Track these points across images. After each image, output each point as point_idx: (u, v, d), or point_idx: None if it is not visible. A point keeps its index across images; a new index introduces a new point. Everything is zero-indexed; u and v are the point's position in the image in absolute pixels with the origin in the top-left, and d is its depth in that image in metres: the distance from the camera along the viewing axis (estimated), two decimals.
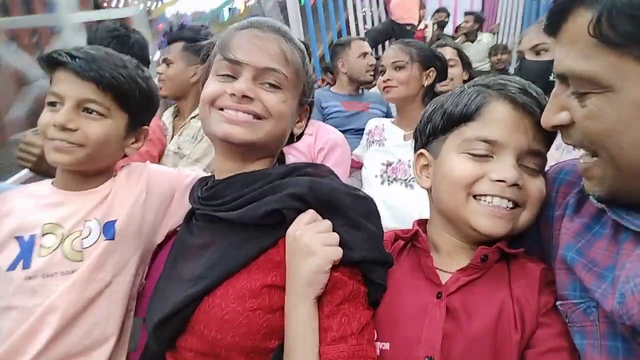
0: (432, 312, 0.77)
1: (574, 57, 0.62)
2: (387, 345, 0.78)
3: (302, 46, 0.92)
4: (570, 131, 0.67)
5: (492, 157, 0.79)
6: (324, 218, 0.79)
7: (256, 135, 0.84)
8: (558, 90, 0.67)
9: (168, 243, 1.07)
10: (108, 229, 0.98)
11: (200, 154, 1.85)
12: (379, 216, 0.85)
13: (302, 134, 1.00)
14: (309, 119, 0.98)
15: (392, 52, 1.99)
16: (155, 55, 3.27)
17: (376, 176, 1.90)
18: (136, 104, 1.03)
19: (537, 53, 1.66)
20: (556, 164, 0.90)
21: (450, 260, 0.83)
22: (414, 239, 0.88)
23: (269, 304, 0.76)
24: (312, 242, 0.74)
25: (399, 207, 1.76)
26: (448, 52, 2.55)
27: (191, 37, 1.97)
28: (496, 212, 0.78)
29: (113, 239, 0.98)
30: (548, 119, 0.69)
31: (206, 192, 0.91)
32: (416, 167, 0.91)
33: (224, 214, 0.84)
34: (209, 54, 0.92)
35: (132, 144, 1.07)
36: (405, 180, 1.84)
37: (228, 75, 0.85)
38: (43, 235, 0.95)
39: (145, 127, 1.09)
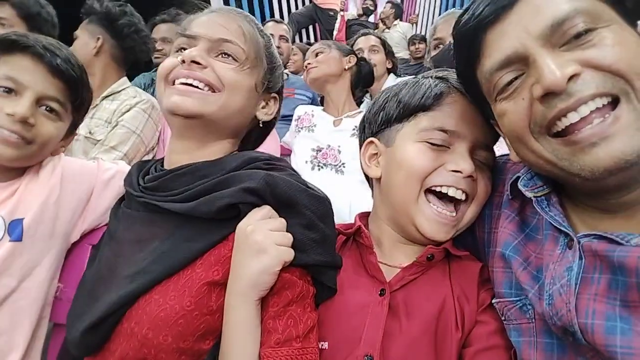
0: (374, 309, 0.76)
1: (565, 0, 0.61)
2: (325, 345, 0.75)
3: (268, 35, 0.91)
4: (586, 78, 0.59)
5: (449, 147, 0.80)
6: (279, 213, 0.75)
7: (208, 108, 0.78)
8: (547, 49, 0.61)
9: (83, 242, 0.97)
10: (14, 228, 0.87)
11: (117, 141, 1.69)
12: (333, 217, 0.81)
13: (269, 128, 0.95)
14: (279, 110, 0.94)
15: (313, 47, 2.10)
16: None
17: (306, 162, 1.88)
18: (84, 110, 1.01)
19: None
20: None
21: (394, 254, 0.83)
22: (357, 235, 0.86)
23: (207, 304, 0.70)
24: (264, 240, 0.69)
25: (330, 193, 1.71)
26: (372, 39, 2.60)
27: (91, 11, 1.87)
28: (442, 219, 0.79)
29: (20, 240, 0.87)
30: (562, 72, 0.58)
31: (151, 181, 0.82)
32: (364, 155, 0.90)
33: (173, 206, 0.76)
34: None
35: (62, 147, 1.01)
36: (336, 165, 1.84)
37: (183, 49, 0.83)
38: None
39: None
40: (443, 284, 0.79)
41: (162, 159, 0.88)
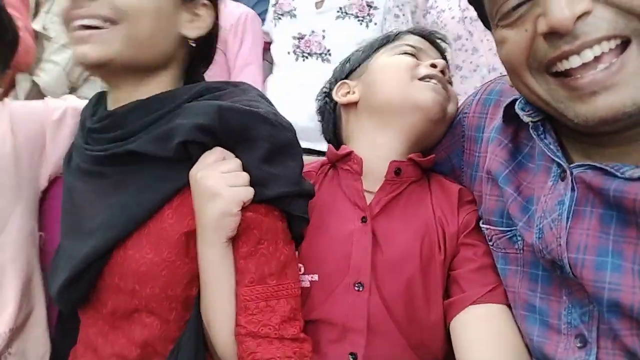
0: (359, 237, 0.76)
1: None
2: (315, 277, 0.76)
3: None
4: (596, 17, 0.53)
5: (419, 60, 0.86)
6: (235, 151, 0.70)
7: (113, 49, 0.68)
8: None
9: (55, 186, 0.92)
10: None
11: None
12: (299, 147, 0.76)
13: (211, 40, 0.80)
14: (217, 17, 0.78)
15: None
16: None
17: (289, 53, 1.74)
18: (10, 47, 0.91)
19: None
20: (484, 83, 0.87)
21: (373, 179, 0.82)
22: (342, 161, 0.84)
23: (187, 252, 0.69)
24: (216, 184, 0.65)
25: (317, 85, 1.64)
26: None
27: None
28: (438, 89, 0.82)
29: None
30: (571, 11, 0.52)
31: (98, 122, 0.75)
32: (337, 93, 0.92)
33: (122, 148, 0.70)
34: None
35: None
36: (321, 54, 1.71)
37: None
38: None
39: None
40: (424, 206, 0.80)
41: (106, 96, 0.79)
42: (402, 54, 0.86)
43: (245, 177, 0.67)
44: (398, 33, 0.92)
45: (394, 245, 0.76)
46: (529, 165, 0.70)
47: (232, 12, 1.75)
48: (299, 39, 1.72)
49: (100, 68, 0.70)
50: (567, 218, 0.60)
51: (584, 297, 0.60)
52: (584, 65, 0.53)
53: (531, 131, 0.66)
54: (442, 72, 0.85)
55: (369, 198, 0.81)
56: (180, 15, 0.73)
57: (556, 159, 0.63)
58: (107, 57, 0.67)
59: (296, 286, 0.71)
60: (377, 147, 0.83)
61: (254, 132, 0.68)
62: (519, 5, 0.57)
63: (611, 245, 0.56)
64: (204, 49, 0.80)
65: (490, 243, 0.74)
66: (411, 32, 0.93)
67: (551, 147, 0.63)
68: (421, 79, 0.82)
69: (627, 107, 0.52)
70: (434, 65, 0.84)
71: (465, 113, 0.85)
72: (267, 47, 1.89)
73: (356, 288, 0.74)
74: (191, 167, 0.69)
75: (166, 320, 0.71)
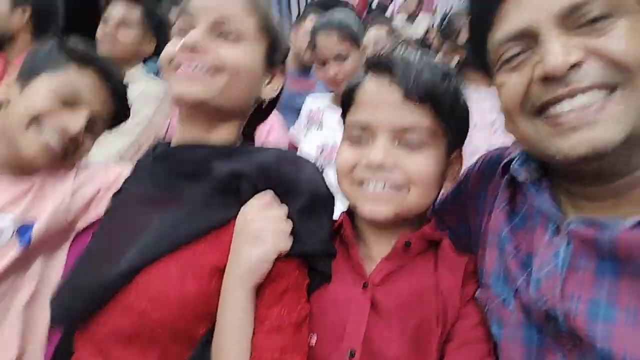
0: (357, 303, 0.76)
1: None
2: (314, 337, 0.76)
3: (269, 7, 0.88)
4: (587, 68, 0.59)
5: (369, 139, 0.78)
6: (281, 200, 0.76)
7: (211, 93, 0.79)
8: (559, 30, 0.61)
9: (85, 232, 1.00)
10: (23, 232, 0.89)
11: (129, 127, 1.69)
12: (333, 207, 0.83)
13: (276, 100, 0.93)
14: (284, 84, 0.92)
15: (331, 41, 1.81)
16: None
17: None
18: (119, 123, 1.11)
19: None
20: (486, 152, 0.92)
21: (374, 246, 0.83)
22: (340, 229, 0.86)
23: (207, 287, 0.72)
24: (263, 228, 0.71)
25: (335, 193, 1.74)
26: (381, 30, 2.49)
27: (150, 5, 1.89)
28: (376, 196, 0.77)
29: (27, 246, 0.89)
30: (564, 59, 0.59)
31: (164, 150, 0.86)
32: None
33: (184, 168, 0.80)
34: None
35: None
36: None
37: (183, 31, 0.81)
38: None
39: None
40: (428, 277, 0.78)
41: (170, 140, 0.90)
42: (348, 141, 0.80)
43: (288, 226, 0.73)
44: (354, 87, 0.81)
45: (392, 315, 0.75)
46: (525, 224, 0.73)
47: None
48: (322, 149, 1.87)
49: (192, 107, 0.80)
50: (562, 269, 0.63)
51: (579, 358, 0.60)
52: (571, 109, 0.59)
53: (527, 189, 0.70)
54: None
55: (372, 263, 0.81)
56: (264, 78, 0.87)
57: (552, 214, 0.67)
58: (205, 98, 0.78)
59: (307, 343, 0.73)
60: (366, 224, 0.84)
61: (300, 186, 0.76)
62: (519, 54, 0.64)
63: (605, 295, 0.58)
64: (267, 108, 0.94)
65: (485, 309, 0.75)
66: (371, 72, 0.80)
67: (547, 203, 0.68)
68: (360, 183, 0.78)
69: (604, 144, 0.57)
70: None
71: (468, 181, 0.90)
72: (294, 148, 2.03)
73: (349, 356, 0.73)
74: (237, 207, 0.75)
75: (165, 353, 0.71)
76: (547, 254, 0.66)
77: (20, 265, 0.89)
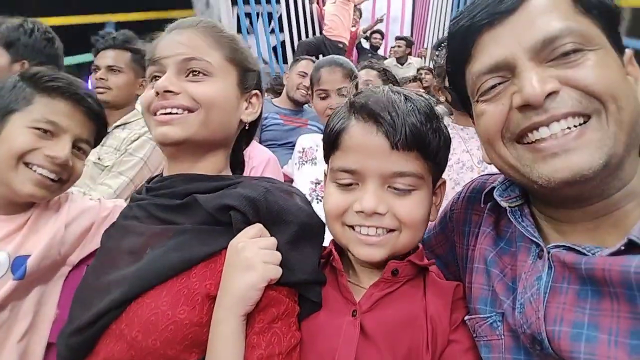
0: (347, 330, 0.76)
1: (561, 18, 0.63)
2: None
3: (233, 35, 0.91)
4: (563, 96, 0.62)
5: (358, 184, 0.78)
6: (271, 231, 0.78)
7: (190, 130, 0.82)
8: (534, 63, 0.64)
9: (79, 270, 1.01)
10: (18, 266, 0.90)
11: (125, 167, 1.76)
12: (323, 239, 0.84)
13: (255, 125, 0.96)
14: (261, 105, 0.96)
15: (336, 77, 1.95)
16: None
17: (306, 196, 1.92)
18: (100, 140, 1.08)
19: None
20: (470, 181, 0.95)
21: (365, 275, 0.83)
22: (329, 257, 0.88)
23: (198, 315, 0.73)
24: (253, 257, 0.72)
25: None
26: (371, 74, 2.60)
27: (137, 50, 1.94)
28: (368, 240, 0.78)
29: (22, 278, 0.90)
30: (541, 88, 0.62)
31: (156, 183, 0.89)
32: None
33: (171, 202, 0.82)
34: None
35: None
36: None
37: (156, 79, 0.86)
38: None
39: None
40: (416, 303, 0.79)
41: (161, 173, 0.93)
42: (336, 184, 0.79)
43: (278, 256, 0.75)
44: (339, 132, 0.79)
45: (381, 342, 0.75)
46: (510, 249, 0.76)
47: (256, 157, 1.97)
48: (316, 184, 1.90)
49: (175, 145, 0.84)
50: (545, 293, 0.64)
51: None
52: (551, 135, 0.62)
53: (509, 215, 0.73)
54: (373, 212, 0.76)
55: (360, 292, 0.81)
56: (241, 104, 0.90)
57: (534, 240, 0.69)
58: (185, 137, 0.82)
59: None
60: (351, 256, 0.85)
61: (290, 216, 0.78)
62: (496, 85, 0.67)
63: (587, 318, 0.60)
64: (250, 130, 0.97)
65: (474, 334, 0.76)
66: (356, 117, 0.78)
67: (528, 229, 0.70)
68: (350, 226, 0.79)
69: (584, 170, 0.60)
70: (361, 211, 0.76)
71: (453, 210, 0.92)
72: (290, 180, 2.07)
73: None
74: (228, 237, 0.77)
75: None
76: (530, 278, 0.67)
77: (15, 298, 0.90)
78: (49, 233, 0.95)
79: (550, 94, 0.62)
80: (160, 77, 0.85)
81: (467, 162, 1.75)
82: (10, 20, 1.89)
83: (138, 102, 1.98)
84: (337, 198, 0.79)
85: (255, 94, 0.94)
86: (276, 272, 0.74)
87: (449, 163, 1.70)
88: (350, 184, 0.78)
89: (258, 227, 0.77)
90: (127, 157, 1.77)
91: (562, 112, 0.62)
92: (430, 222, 0.85)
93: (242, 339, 0.73)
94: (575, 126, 0.62)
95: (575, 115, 0.62)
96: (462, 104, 0.80)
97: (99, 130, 1.02)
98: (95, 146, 1.05)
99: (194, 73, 0.84)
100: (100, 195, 1.77)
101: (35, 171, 0.91)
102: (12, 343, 0.90)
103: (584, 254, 0.62)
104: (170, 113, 0.83)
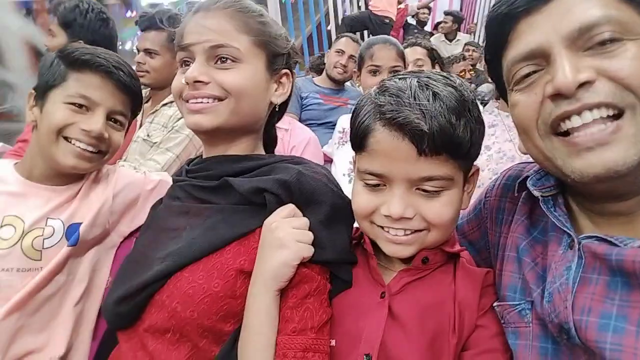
0: (375, 311, 0.79)
1: (600, 5, 0.61)
2: (333, 342, 0.79)
3: (262, 12, 0.90)
4: (597, 87, 0.60)
5: (386, 185, 0.77)
6: (303, 211, 0.80)
7: (221, 118, 0.84)
8: (569, 51, 0.62)
9: (129, 241, 1.08)
10: (71, 233, 0.98)
11: (172, 144, 1.82)
12: (353, 219, 0.86)
13: (286, 103, 0.97)
14: (292, 84, 0.95)
15: (390, 55, 1.97)
16: None
17: (344, 174, 1.93)
18: (139, 112, 1.10)
19: None
20: (506, 169, 0.93)
21: (396, 260, 0.84)
22: (361, 239, 0.89)
23: (232, 288, 0.77)
24: (286, 236, 0.75)
25: None
26: (418, 52, 2.57)
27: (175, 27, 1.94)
28: (395, 240, 0.78)
29: (76, 244, 0.98)
30: (573, 77, 0.60)
31: (194, 165, 0.93)
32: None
33: (210, 183, 0.86)
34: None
35: None
36: None
37: (186, 64, 0.87)
38: (2, 226, 0.94)
39: None
40: (445, 288, 0.80)
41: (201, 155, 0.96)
42: (364, 184, 0.78)
43: (310, 236, 0.78)
44: (364, 136, 0.76)
45: (408, 323, 0.77)
46: (542, 239, 0.75)
47: (297, 135, 2.01)
48: (353, 163, 1.93)
49: (208, 133, 0.87)
50: (574, 282, 0.64)
51: None
52: (584, 125, 0.61)
53: (541, 204, 0.72)
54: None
55: (390, 274, 0.83)
56: (270, 87, 0.91)
57: (565, 230, 0.68)
58: (217, 125, 0.85)
59: (328, 345, 0.77)
60: None
61: (322, 198, 0.81)
62: (531, 73, 0.66)
63: (615, 309, 0.59)
64: (281, 109, 0.98)
65: (502, 320, 0.77)
66: (382, 121, 0.74)
67: (561, 219, 0.70)
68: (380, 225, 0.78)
69: (618, 166, 0.58)
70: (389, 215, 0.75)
71: (488, 197, 0.92)
72: (331, 160, 2.10)
73: None
74: (262, 216, 0.80)
75: (195, 347, 0.77)
76: (559, 268, 0.67)
77: (70, 264, 0.98)
78: (98, 202, 1.02)
79: (584, 84, 0.60)
80: (189, 62, 0.86)
81: (508, 152, 1.69)
82: (69, 1, 1.98)
83: None
84: (365, 199, 0.79)
85: (285, 74, 0.93)
86: (309, 251, 0.77)
87: (489, 152, 1.72)
88: (378, 185, 0.77)
89: (291, 207, 0.80)
90: (173, 134, 1.83)
91: (595, 102, 0.60)
92: (462, 210, 0.84)
93: (276, 313, 0.76)
94: (608, 116, 0.60)
95: (608, 107, 0.60)
96: (501, 93, 0.78)
97: (134, 100, 1.04)
98: (134, 117, 1.09)
99: (222, 60, 0.84)
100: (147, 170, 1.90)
101: (74, 144, 0.96)
102: (70, 306, 0.99)
103: (616, 245, 0.62)
104: (201, 102, 0.84)
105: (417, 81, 0.75)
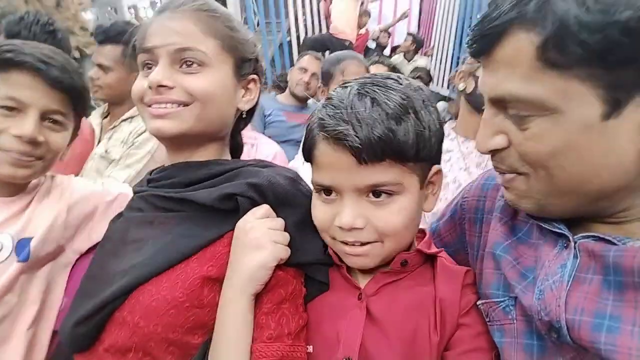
0: (353, 313, 0.77)
1: (515, 80, 0.59)
2: (310, 348, 0.76)
3: (230, 16, 0.86)
4: (504, 155, 0.66)
5: (338, 196, 0.75)
6: (277, 214, 0.78)
7: (186, 125, 0.80)
8: (490, 114, 0.66)
9: (87, 257, 1.01)
10: (21, 248, 0.90)
11: (132, 160, 1.75)
12: None
13: (253, 110, 0.93)
14: (260, 91, 0.92)
15: (362, 69, 2.06)
16: None
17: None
18: (84, 111, 1.00)
19: None
20: (485, 170, 0.93)
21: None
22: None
23: (198, 297, 0.73)
24: (262, 237, 0.73)
25: None
26: (380, 69, 2.66)
27: (129, 41, 1.86)
28: (357, 252, 0.76)
29: (27, 260, 0.90)
30: (484, 143, 0.66)
31: (157, 174, 0.87)
32: None
33: (179, 194, 0.80)
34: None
35: (67, 149, 1.01)
36: None
37: (148, 67, 0.82)
38: None
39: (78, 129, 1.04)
40: (425, 288, 0.78)
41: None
42: (318, 195, 0.77)
43: (286, 236, 0.75)
44: (311, 148, 0.76)
45: (387, 324, 0.75)
46: (528, 240, 0.74)
47: (263, 150, 1.97)
48: None
49: (172, 139, 0.82)
50: (568, 281, 0.63)
51: None
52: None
53: (530, 216, 0.72)
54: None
55: (367, 277, 0.81)
56: (237, 92, 0.87)
57: (561, 232, 0.68)
58: (181, 131, 0.80)
59: (305, 352, 0.73)
60: None
61: (295, 199, 0.78)
62: None
63: (609, 309, 0.58)
64: (248, 116, 0.94)
65: (487, 319, 0.75)
66: (322, 134, 0.73)
67: (554, 223, 0.69)
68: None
69: (540, 208, 0.67)
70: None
71: (465, 197, 0.91)
72: None
73: None
74: (231, 221, 0.76)
75: None
76: (553, 266, 0.66)
77: (22, 283, 0.90)
78: (50, 215, 0.95)
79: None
80: (151, 65, 0.81)
81: (464, 182, 1.55)
82: (15, 13, 1.90)
83: None
84: (322, 211, 0.77)
85: (253, 79, 0.90)
86: (286, 252, 0.74)
87: (444, 181, 1.65)
88: (330, 194, 0.75)
89: (265, 207, 0.77)
90: (134, 150, 1.77)
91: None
92: (434, 213, 0.83)
93: (251, 318, 0.73)
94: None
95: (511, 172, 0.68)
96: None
97: (73, 97, 0.94)
98: (80, 116, 1.00)
99: (188, 64, 0.80)
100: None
101: (6, 151, 0.88)
102: (22, 330, 0.90)
103: (614, 244, 0.61)
104: (164, 107, 0.80)
105: (357, 89, 0.73)
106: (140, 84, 0.82)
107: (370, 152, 0.69)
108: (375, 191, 0.73)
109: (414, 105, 0.72)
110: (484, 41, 0.62)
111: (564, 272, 0.64)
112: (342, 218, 0.73)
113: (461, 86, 1.67)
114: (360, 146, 0.68)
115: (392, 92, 0.72)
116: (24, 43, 0.92)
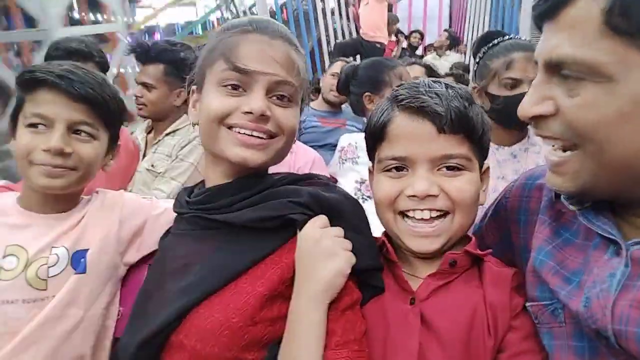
0: (407, 318, 0.77)
1: (576, 43, 0.59)
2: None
3: (303, 50, 0.88)
4: (550, 122, 0.64)
5: (408, 170, 0.79)
6: (332, 222, 0.78)
7: (268, 157, 0.81)
8: (542, 79, 0.65)
9: (139, 269, 1.05)
10: (77, 259, 0.95)
11: (177, 173, 1.83)
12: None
13: None
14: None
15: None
16: None
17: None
18: (116, 121, 1.03)
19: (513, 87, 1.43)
20: (528, 170, 0.92)
21: (420, 266, 0.83)
22: (382, 249, 0.87)
23: (251, 316, 0.74)
24: (334, 245, 0.74)
25: (374, 224, 1.77)
26: (416, 70, 2.65)
27: (172, 60, 1.93)
28: (420, 232, 0.78)
29: (84, 272, 0.95)
30: (528, 109, 0.65)
31: (196, 197, 0.87)
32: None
33: (221, 216, 0.81)
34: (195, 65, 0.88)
35: (110, 160, 1.06)
36: None
37: (235, 87, 0.79)
38: (5, 256, 0.91)
39: (119, 142, 1.09)
40: (474, 291, 0.79)
41: (203, 181, 0.91)
42: (385, 173, 0.81)
43: (349, 243, 0.76)
44: (384, 124, 0.81)
45: (443, 330, 0.75)
46: (575, 241, 0.73)
47: (302, 157, 2.01)
48: (360, 183, 1.90)
49: (250, 168, 0.80)
50: (616, 290, 0.61)
51: None
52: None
53: (580, 219, 0.70)
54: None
55: (416, 281, 0.81)
56: None
57: (612, 237, 0.65)
58: (264, 162, 0.80)
59: (368, 356, 0.74)
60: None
61: (343, 208, 0.80)
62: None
63: None
64: None
65: (536, 321, 0.74)
66: (400, 107, 0.80)
67: (606, 227, 0.66)
68: (403, 214, 0.79)
69: (585, 190, 0.65)
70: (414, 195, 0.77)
71: (507, 197, 0.90)
72: (335, 181, 2.07)
73: None
74: (275, 238, 0.78)
75: None
76: (602, 274, 0.64)
77: (83, 295, 0.94)
78: (104, 228, 0.99)
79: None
80: (239, 86, 0.79)
81: (500, 190, 1.54)
82: None
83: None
84: (388, 185, 0.80)
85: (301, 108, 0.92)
86: (355, 258, 0.76)
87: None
88: (400, 170, 0.80)
89: (323, 217, 0.78)
90: (178, 163, 1.84)
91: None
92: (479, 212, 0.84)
93: (325, 327, 0.73)
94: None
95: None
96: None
97: (99, 108, 0.97)
98: (115, 127, 1.04)
99: (281, 97, 0.80)
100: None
101: (40, 165, 0.92)
102: (88, 346, 0.95)
103: None
104: (258, 137, 0.79)
105: (428, 80, 0.83)
106: (224, 103, 0.79)
107: (449, 121, 0.76)
108: (448, 166, 0.78)
109: (473, 100, 0.82)
110: (551, 2, 0.62)
111: (612, 282, 0.62)
112: (416, 185, 0.76)
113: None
114: (441, 115, 0.76)
115: (459, 85, 0.84)
116: (48, 63, 0.98)
